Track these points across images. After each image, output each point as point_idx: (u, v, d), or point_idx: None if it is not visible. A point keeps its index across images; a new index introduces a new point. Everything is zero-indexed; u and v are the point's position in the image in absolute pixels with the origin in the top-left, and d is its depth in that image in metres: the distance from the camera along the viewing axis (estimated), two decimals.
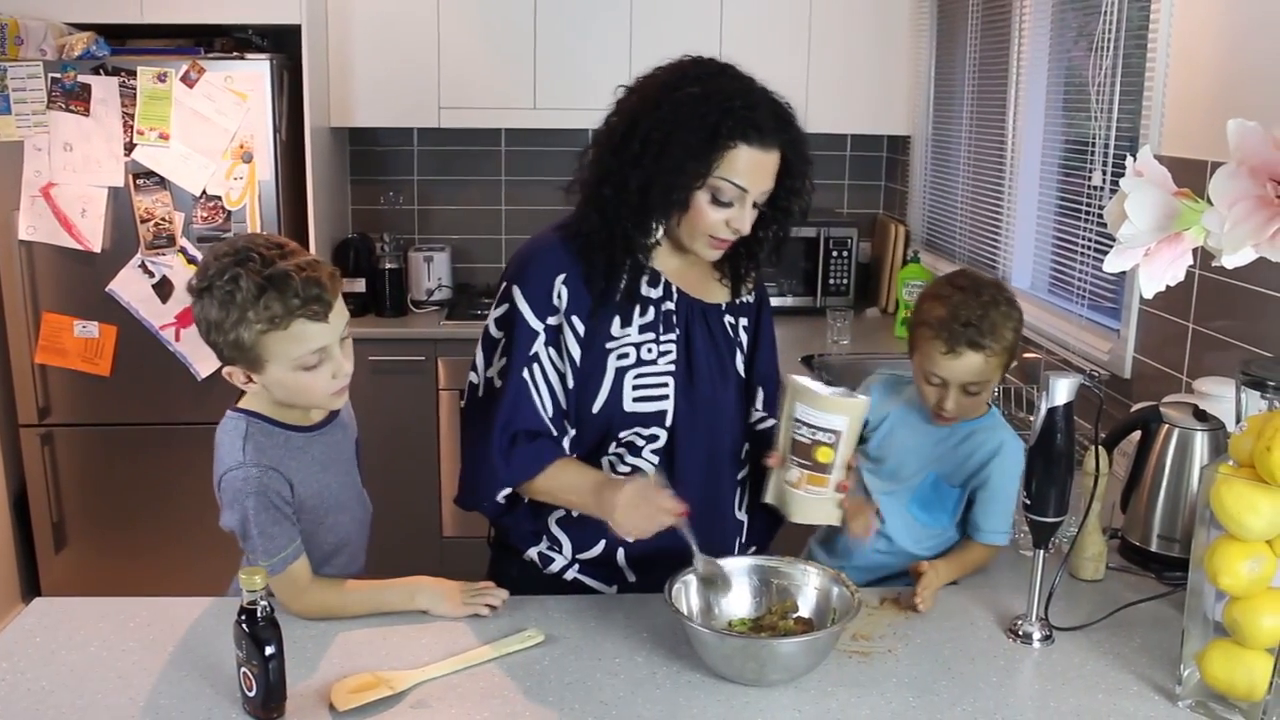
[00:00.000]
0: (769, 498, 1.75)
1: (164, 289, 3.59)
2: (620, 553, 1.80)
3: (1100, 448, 1.83)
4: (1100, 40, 2.75)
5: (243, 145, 3.56)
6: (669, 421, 1.78)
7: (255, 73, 3.54)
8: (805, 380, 1.68)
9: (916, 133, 4.18)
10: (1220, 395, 1.95)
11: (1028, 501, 1.63)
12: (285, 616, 1.47)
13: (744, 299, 1.90)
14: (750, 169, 1.66)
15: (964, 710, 1.46)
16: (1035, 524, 1.64)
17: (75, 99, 3.47)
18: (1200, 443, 1.89)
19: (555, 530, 1.81)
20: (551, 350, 1.74)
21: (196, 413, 3.60)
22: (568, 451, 1.76)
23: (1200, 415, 1.91)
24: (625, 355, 1.76)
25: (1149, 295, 1.38)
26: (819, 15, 4.09)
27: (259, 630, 1.38)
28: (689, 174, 1.65)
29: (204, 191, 3.57)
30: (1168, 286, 1.38)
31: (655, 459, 1.78)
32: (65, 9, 3.58)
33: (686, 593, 1.61)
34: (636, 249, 1.75)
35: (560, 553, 1.81)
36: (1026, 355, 3.05)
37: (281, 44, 3.78)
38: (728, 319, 1.86)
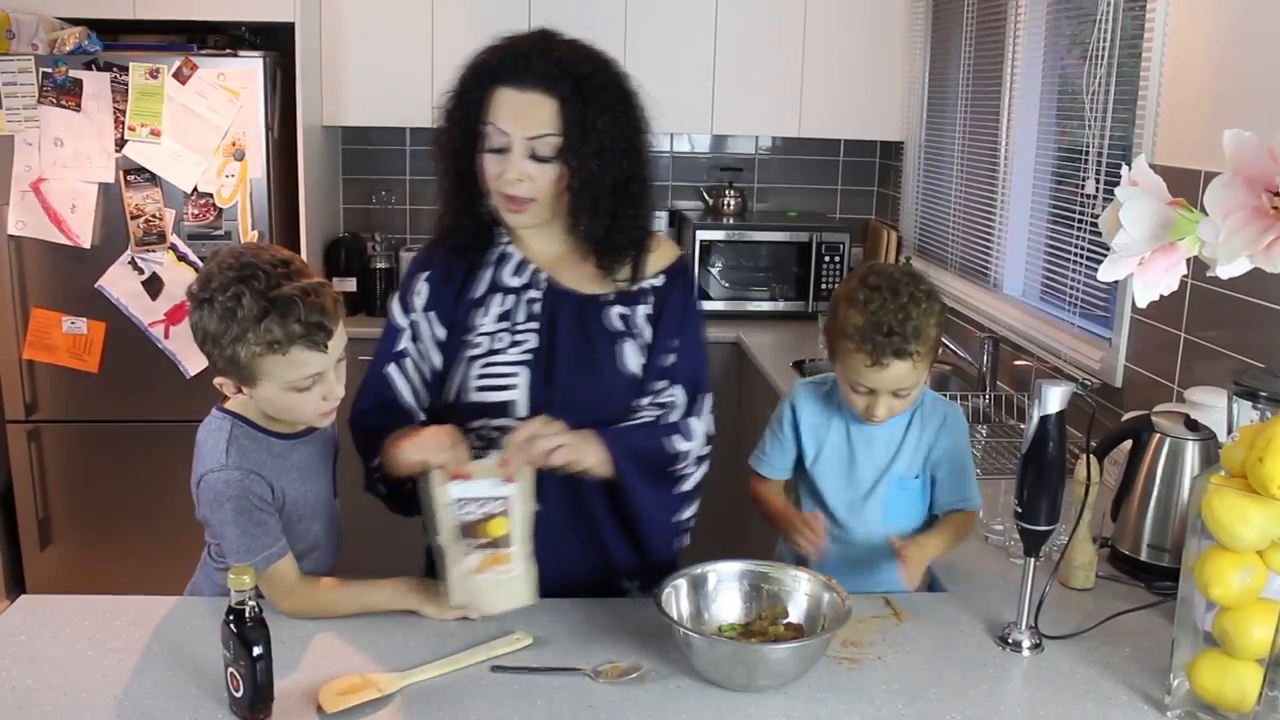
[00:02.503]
0: (455, 601, 1.60)
1: (154, 286, 3.58)
2: None
3: (1091, 456, 1.83)
4: (1094, 48, 2.76)
5: (234, 143, 3.54)
6: (523, 412, 1.73)
7: (248, 70, 3.53)
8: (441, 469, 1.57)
9: (910, 138, 4.19)
10: (1211, 405, 1.95)
11: (1019, 509, 1.62)
12: (274, 618, 1.46)
13: (649, 284, 1.80)
14: (511, 112, 1.65)
15: (953, 718, 1.46)
16: (1026, 532, 1.63)
17: (66, 94, 3.45)
18: (1191, 452, 1.89)
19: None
20: (413, 346, 1.81)
21: (185, 410, 3.56)
22: None
23: (1191, 425, 1.92)
24: (477, 345, 1.76)
25: (1143, 304, 1.37)
26: (813, 20, 4.10)
27: (247, 630, 1.38)
28: (460, 126, 1.69)
29: (195, 189, 3.55)
30: (1161, 296, 1.38)
31: None
32: (57, 4, 3.57)
33: (677, 597, 1.60)
34: (482, 230, 1.77)
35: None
36: (1018, 363, 3.06)
37: (274, 41, 3.77)
38: (616, 309, 1.78)
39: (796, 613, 1.63)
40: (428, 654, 1.57)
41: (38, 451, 3.69)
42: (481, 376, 1.75)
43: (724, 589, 1.66)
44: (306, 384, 1.62)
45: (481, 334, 1.76)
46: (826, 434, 1.87)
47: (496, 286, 1.78)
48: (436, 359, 1.80)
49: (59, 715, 1.42)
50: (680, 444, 1.77)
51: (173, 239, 3.57)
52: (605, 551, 1.82)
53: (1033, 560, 1.64)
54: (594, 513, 1.79)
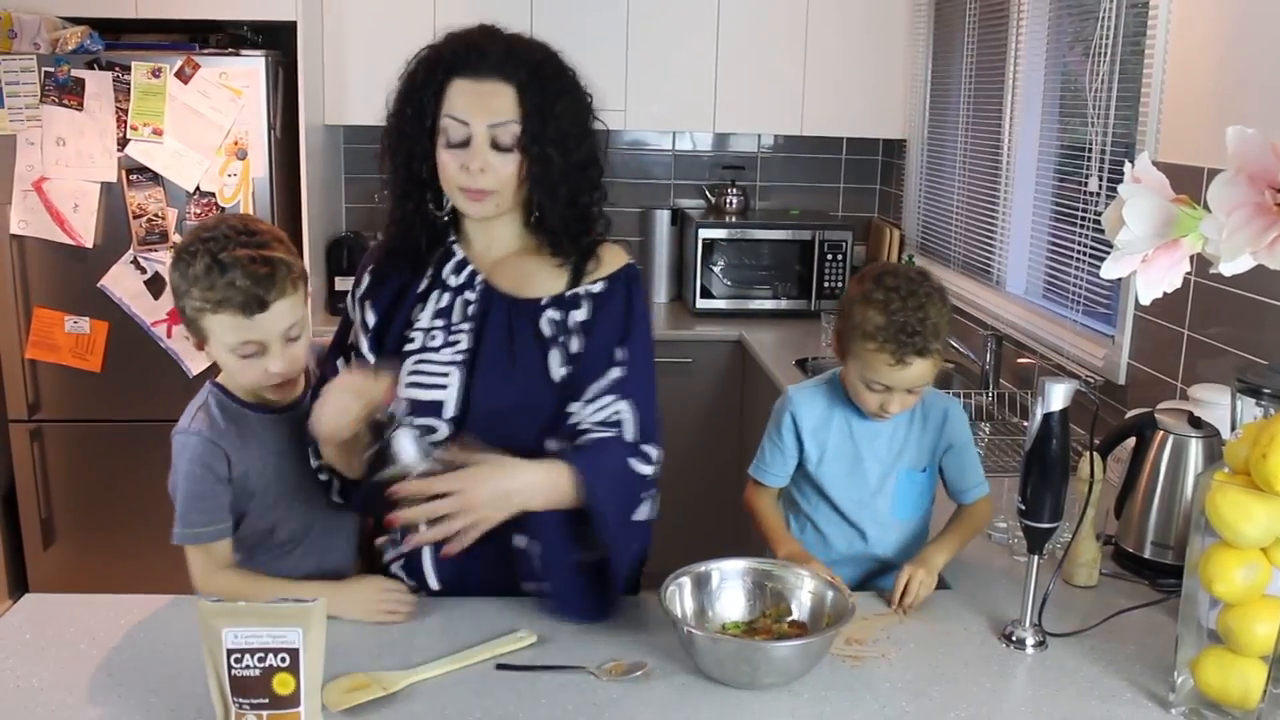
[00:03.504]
0: None
1: (156, 285, 3.58)
2: (426, 554, 1.74)
3: (1095, 454, 1.83)
4: (1097, 46, 2.76)
5: (237, 142, 3.55)
6: (449, 414, 1.68)
7: (250, 69, 3.53)
8: (216, 603, 1.31)
9: (912, 136, 4.19)
10: (1215, 402, 1.95)
11: (1022, 507, 1.62)
12: None
13: (585, 289, 1.72)
14: (468, 102, 1.64)
15: (957, 715, 1.46)
16: (1030, 529, 1.63)
17: (69, 93, 3.45)
18: (1195, 449, 1.89)
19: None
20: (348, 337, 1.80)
21: None
22: None
23: (1195, 422, 1.91)
24: (412, 340, 1.74)
25: (1146, 302, 1.37)
26: (815, 19, 4.09)
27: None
28: (416, 123, 1.67)
29: (198, 188, 3.56)
30: (1164, 293, 1.38)
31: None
32: (60, 3, 3.57)
33: (680, 595, 1.60)
34: (429, 227, 1.75)
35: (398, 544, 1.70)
36: (1021, 361, 3.06)
37: (276, 40, 3.76)
38: (549, 313, 1.71)
39: (800, 610, 1.63)
40: (432, 652, 1.57)
41: (40, 451, 3.70)
42: (413, 374, 1.70)
43: (727, 587, 1.66)
44: (247, 350, 1.68)
45: (417, 329, 1.74)
46: (828, 435, 1.87)
47: (436, 283, 1.76)
48: (366, 349, 1.75)
49: (63, 714, 1.42)
50: (641, 467, 1.66)
51: (175, 238, 3.56)
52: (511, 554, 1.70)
53: (1036, 558, 1.64)
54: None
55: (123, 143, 3.50)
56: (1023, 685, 1.56)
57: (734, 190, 4.40)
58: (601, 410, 1.66)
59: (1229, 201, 1.27)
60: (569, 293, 1.72)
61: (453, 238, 1.78)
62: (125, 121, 3.49)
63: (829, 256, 4.16)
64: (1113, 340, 2.66)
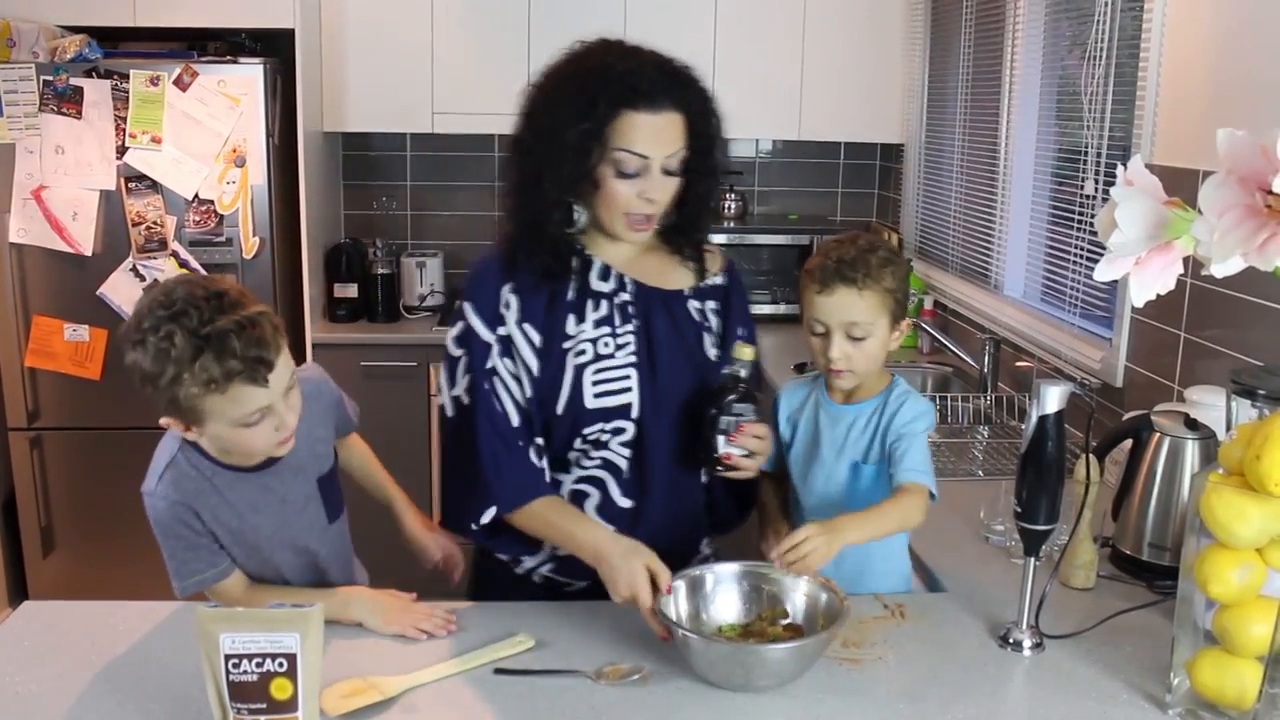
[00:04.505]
0: None
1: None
2: None
3: (1091, 456, 1.83)
4: (1093, 49, 2.76)
5: (235, 149, 3.55)
6: (635, 414, 1.76)
7: (248, 76, 3.54)
8: (214, 608, 1.35)
9: (910, 140, 4.19)
10: (1211, 404, 1.95)
11: (1018, 509, 1.63)
12: None
13: (712, 281, 1.87)
14: (646, 135, 1.66)
15: (954, 718, 1.46)
16: (1026, 532, 1.64)
17: (67, 102, 3.46)
18: (1191, 451, 1.89)
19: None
20: (507, 360, 1.73)
21: None
22: (542, 464, 1.76)
23: (1191, 424, 1.92)
24: (582, 352, 1.75)
25: (1139, 304, 1.38)
26: (813, 23, 4.10)
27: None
28: (580, 151, 1.65)
29: (196, 195, 3.56)
30: (1159, 295, 1.38)
31: (625, 451, 1.77)
32: (58, 12, 3.58)
33: (675, 598, 1.61)
34: (567, 243, 1.76)
35: (537, 552, 1.80)
36: (1019, 364, 3.06)
37: (275, 48, 3.77)
38: (693, 304, 1.84)
39: (795, 613, 1.63)
40: (431, 657, 1.57)
41: (40, 459, 3.70)
42: (597, 383, 1.74)
43: (722, 590, 1.66)
44: (254, 419, 1.54)
45: (584, 340, 1.75)
46: (800, 419, 1.89)
47: (587, 292, 1.77)
48: (536, 368, 1.74)
49: None
50: None
51: (174, 246, 3.58)
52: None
53: (1033, 560, 1.64)
54: (697, 505, 1.89)
55: (121, 151, 3.51)
56: (1020, 687, 1.56)
57: (732, 195, 4.40)
58: None
59: (1220, 203, 1.27)
60: (702, 284, 1.86)
61: (580, 244, 1.79)
62: (124, 129, 3.50)
63: None
64: (1110, 343, 2.66)
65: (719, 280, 1.88)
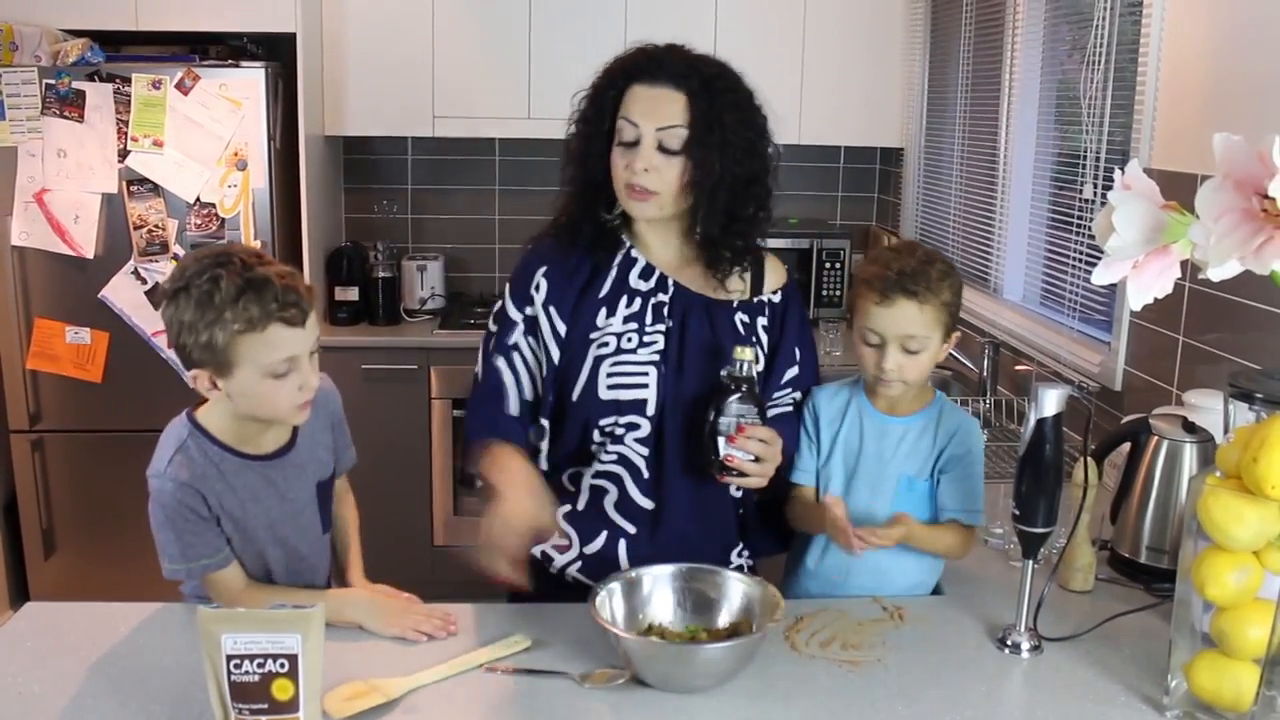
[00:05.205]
0: None
1: (156, 296, 3.59)
2: (621, 546, 1.82)
3: (1090, 459, 1.84)
4: (1092, 53, 2.77)
5: (237, 153, 3.56)
6: (651, 411, 1.79)
7: (250, 80, 3.55)
8: (216, 609, 1.36)
9: (909, 145, 4.20)
10: (1209, 407, 1.95)
11: (1016, 512, 1.63)
12: None
13: (766, 298, 1.89)
14: (642, 106, 1.74)
15: None
16: (1024, 534, 1.64)
17: (69, 105, 3.47)
18: (1189, 454, 1.90)
19: (562, 525, 1.82)
20: (530, 339, 1.83)
21: None
22: (537, 440, 1.84)
23: (1189, 427, 1.92)
24: (605, 344, 1.79)
25: (1137, 307, 1.38)
26: (813, 28, 4.11)
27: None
28: (595, 122, 1.77)
29: (198, 199, 3.57)
30: (1157, 299, 1.39)
31: (641, 448, 1.79)
32: (60, 15, 3.59)
33: (610, 600, 1.60)
34: (611, 230, 1.82)
35: (566, 551, 1.83)
36: (1018, 368, 3.06)
37: (276, 52, 3.78)
38: (740, 316, 1.85)
39: (730, 612, 1.62)
40: (431, 659, 1.58)
41: (41, 461, 3.71)
42: (611, 375, 1.78)
43: (658, 591, 1.64)
44: (283, 369, 1.61)
45: (610, 333, 1.80)
46: (840, 427, 1.87)
47: (623, 288, 1.82)
48: (555, 353, 1.82)
49: None
50: None
51: (176, 249, 3.58)
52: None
53: (1031, 563, 1.64)
54: (726, 516, 1.90)
55: (123, 154, 3.52)
56: (1018, 690, 1.57)
57: None
58: (783, 398, 1.89)
59: (1216, 207, 1.28)
60: (756, 299, 1.88)
61: (630, 243, 1.84)
62: (126, 133, 3.51)
63: (827, 265, 4.18)
64: (1109, 347, 2.67)
65: (774, 298, 1.90)
